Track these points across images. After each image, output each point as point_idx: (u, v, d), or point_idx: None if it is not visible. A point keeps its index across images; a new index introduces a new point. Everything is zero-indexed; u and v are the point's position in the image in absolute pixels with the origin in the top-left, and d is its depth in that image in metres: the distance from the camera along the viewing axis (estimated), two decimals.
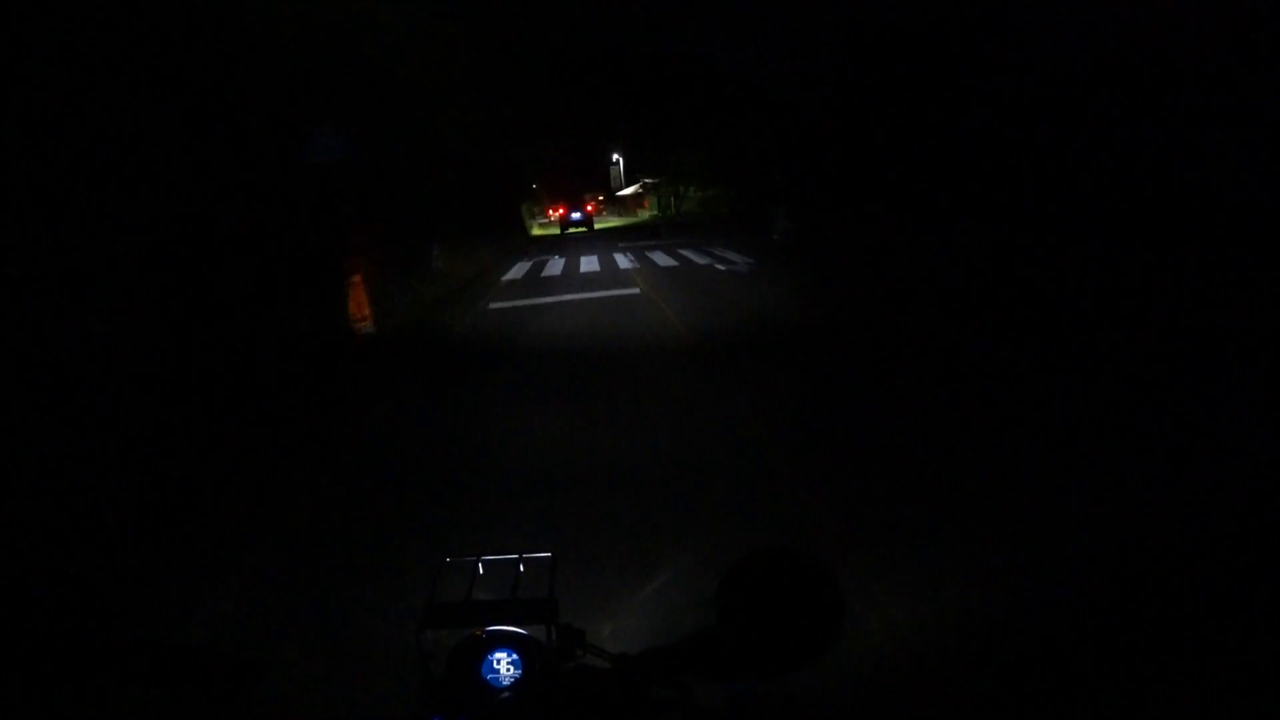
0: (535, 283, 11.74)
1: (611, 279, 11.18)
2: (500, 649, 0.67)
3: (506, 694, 0.66)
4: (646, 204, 47.90)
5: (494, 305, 9.65)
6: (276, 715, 0.75)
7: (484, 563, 0.80)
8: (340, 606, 2.37)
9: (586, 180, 68.08)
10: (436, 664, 0.68)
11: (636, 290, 9.67)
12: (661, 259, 13.60)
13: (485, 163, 23.57)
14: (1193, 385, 4.21)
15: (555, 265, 14.22)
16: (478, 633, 0.68)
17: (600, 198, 71.34)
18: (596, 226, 35.86)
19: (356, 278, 7.67)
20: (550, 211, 41.35)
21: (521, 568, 0.79)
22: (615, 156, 58.54)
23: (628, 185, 55.48)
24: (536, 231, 34.19)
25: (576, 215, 32.19)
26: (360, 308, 7.65)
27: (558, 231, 32.32)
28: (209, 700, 0.64)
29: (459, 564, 0.79)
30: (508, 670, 0.67)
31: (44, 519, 3.01)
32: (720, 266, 11.74)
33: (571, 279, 11.74)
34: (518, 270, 13.87)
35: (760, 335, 6.46)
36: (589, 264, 13.81)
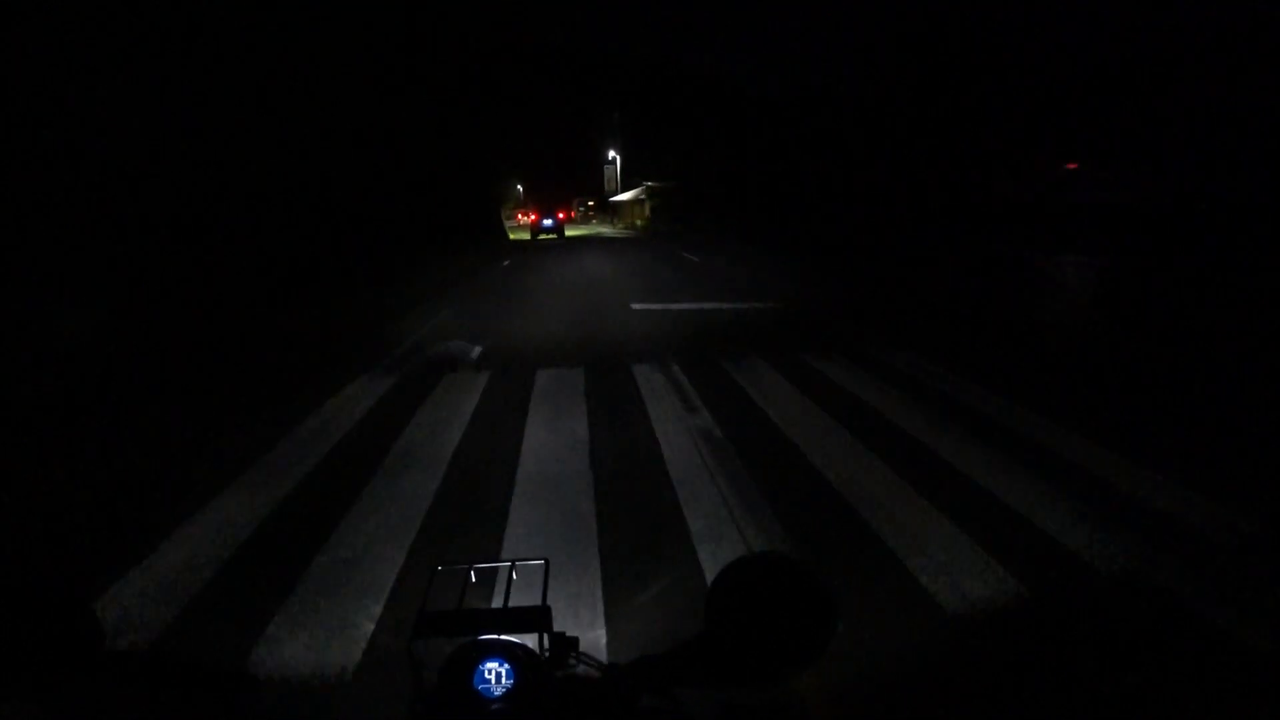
0: None
1: None
2: (492, 658, 0.66)
3: (498, 705, 0.64)
4: (649, 212, 38.26)
5: None
6: None
7: (476, 570, 0.80)
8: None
9: (578, 182, 58.40)
10: (429, 674, 0.67)
11: None
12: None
13: (433, 156, 17.67)
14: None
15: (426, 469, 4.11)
16: (470, 642, 0.68)
17: (590, 203, 61.58)
18: (592, 234, 35.97)
19: None
20: (521, 216, 39.26)
21: (514, 575, 0.79)
22: (611, 154, 48.94)
23: (625, 189, 45.86)
24: (513, 236, 32.93)
25: (548, 222, 31.52)
26: None
27: (527, 236, 32.52)
28: (197, 712, 0.63)
29: (451, 571, 0.79)
30: (500, 680, 0.65)
31: (28, 525, 2.79)
32: None
33: None
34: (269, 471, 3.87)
35: None
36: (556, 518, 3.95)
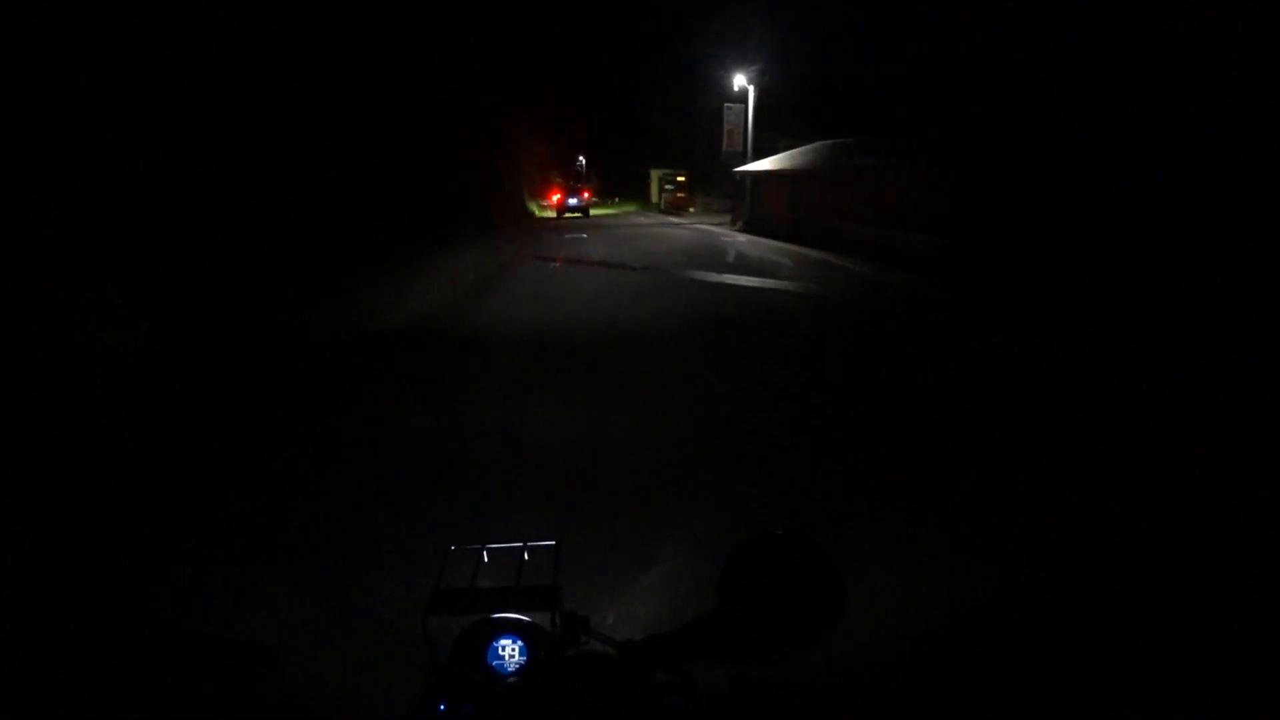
0: None
1: None
2: (505, 635, 0.68)
3: (512, 680, 0.65)
4: (868, 198, 14.35)
5: None
6: (282, 702, 0.65)
7: (489, 550, 0.80)
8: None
9: (668, 144, 34.92)
10: (442, 650, 0.69)
11: None
12: None
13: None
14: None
15: None
16: (483, 619, 0.70)
17: (680, 178, 38.06)
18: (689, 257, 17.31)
19: None
20: (550, 195, 32.44)
21: (526, 555, 0.79)
22: (741, 83, 25.59)
23: (760, 154, 22.73)
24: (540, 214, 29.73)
25: (573, 201, 30.02)
26: None
27: (554, 214, 29.71)
28: (218, 687, 0.64)
29: (464, 551, 0.80)
30: (513, 657, 0.67)
31: (51, 512, 2.90)
32: None
33: None
34: None
35: None
36: None
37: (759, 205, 20.75)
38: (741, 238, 17.28)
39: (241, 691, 0.63)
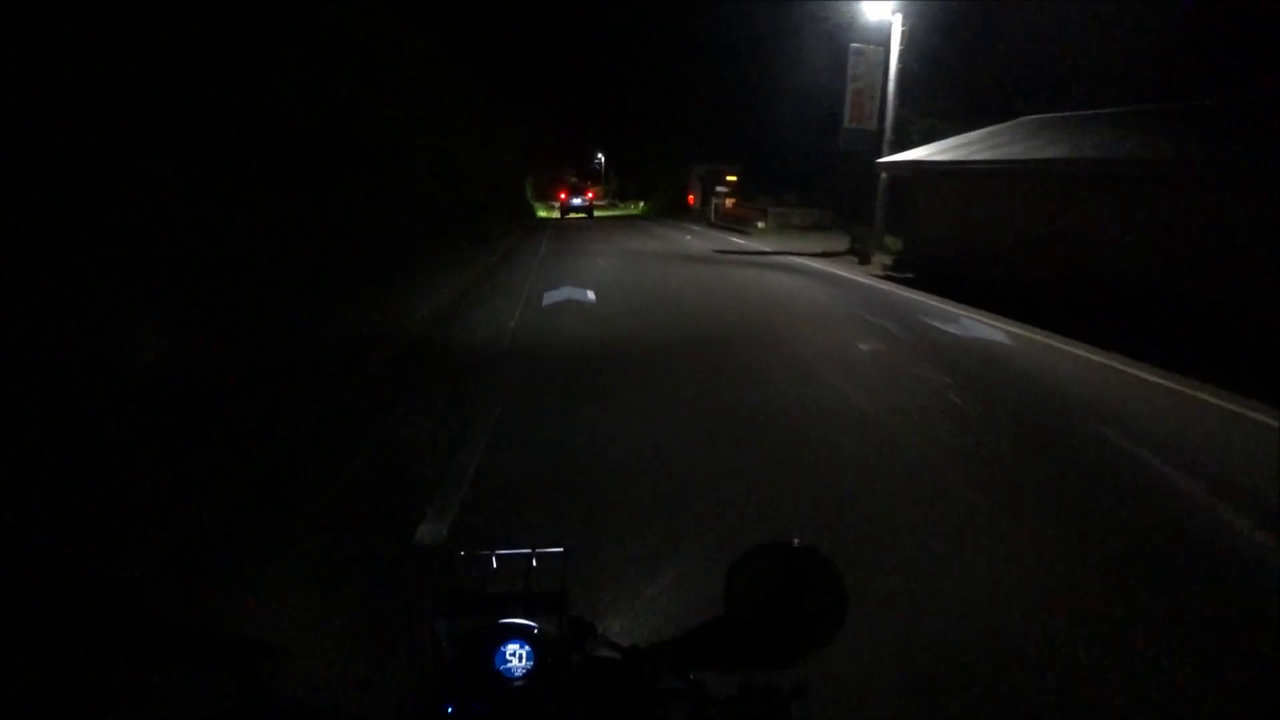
0: None
1: None
2: (513, 640, 0.67)
3: (518, 685, 0.65)
4: None
5: None
6: (291, 700, 0.67)
7: (497, 556, 0.79)
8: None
9: (734, 136, 21.69)
10: (450, 653, 0.68)
11: None
12: None
13: None
14: None
15: None
16: (491, 624, 0.69)
17: (730, 178, 24.88)
18: None
19: None
20: (562, 194, 32.32)
21: (535, 561, 0.78)
22: (879, 10, 14.88)
23: (914, 140, 11.05)
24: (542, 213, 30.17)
25: (577, 201, 29.75)
26: None
27: (558, 215, 30.44)
28: (227, 683, 0.63)
29: (473, 556, 0.79)
30: (519, 662, 0.66)
31: (71, 509, 2.86)
32: None
33: None
34: None
35: None
36: None
37: (927, 231, 10.38)
38: (1014, 343, 6.94)
39: (251, 689, 0.63)
